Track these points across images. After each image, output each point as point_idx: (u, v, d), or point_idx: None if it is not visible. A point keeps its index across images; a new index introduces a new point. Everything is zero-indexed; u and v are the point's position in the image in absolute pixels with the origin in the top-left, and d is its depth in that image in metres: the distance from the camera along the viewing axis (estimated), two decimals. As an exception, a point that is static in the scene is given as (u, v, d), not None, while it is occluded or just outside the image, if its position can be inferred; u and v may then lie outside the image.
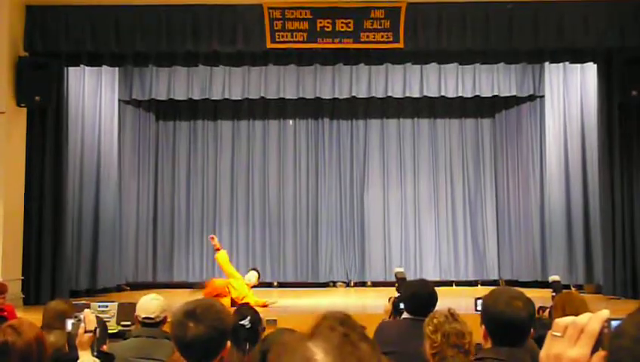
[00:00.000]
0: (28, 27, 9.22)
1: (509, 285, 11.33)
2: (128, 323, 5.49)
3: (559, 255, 10.91)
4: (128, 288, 11.52)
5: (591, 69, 10.02)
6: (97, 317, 3.37)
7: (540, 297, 8.93)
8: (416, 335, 3.91)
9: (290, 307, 9.11)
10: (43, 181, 9.23)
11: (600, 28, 9.14)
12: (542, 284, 10.98)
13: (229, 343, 2.56)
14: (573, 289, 10.20)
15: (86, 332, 3.10)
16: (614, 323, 1.00)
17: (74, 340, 3.13)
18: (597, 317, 1.01)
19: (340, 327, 1.02)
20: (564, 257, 10.82)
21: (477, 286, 12.01)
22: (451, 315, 3.29)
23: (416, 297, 4.30)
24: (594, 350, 0.99)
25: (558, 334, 1.03)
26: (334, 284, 12.31)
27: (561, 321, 1.04)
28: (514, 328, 2.72)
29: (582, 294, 8.94)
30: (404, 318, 4.31)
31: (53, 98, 9.14)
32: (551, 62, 10.48)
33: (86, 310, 3.22)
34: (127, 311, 5.72)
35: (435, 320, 3.25)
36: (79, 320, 3.12)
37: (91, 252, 10.62)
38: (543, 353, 1.04)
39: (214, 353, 2.52)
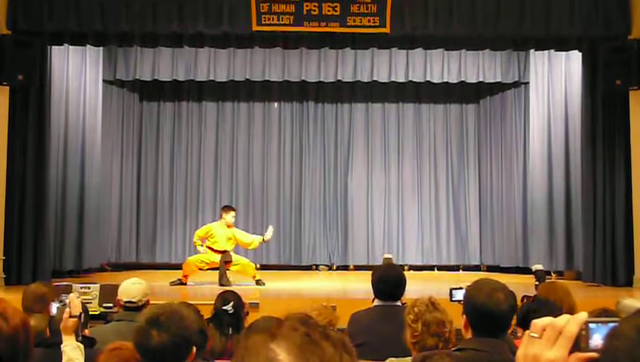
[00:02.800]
0: (11, 5, 9.09)
1: (491, 271, 11.44)
2: (110, 304, 5.49)
3: (540, 241, 11.00)
4: (110, 268, 11.49)
5: (576, 57, 10.07)
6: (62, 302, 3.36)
7: (521, 283, 9.04)
8: (388, 321, 3.95)
9: (273, 290, 9.13)
10: (25, 160, 9.15)
11: (586, 16, 9.16)
12: (523, 270, 11.10)
13: (194, 349, 2.51)
14: (553, 275, 10.32)
15: (71, 317, 3.09)
16: (592, 326, 1.01)
17: (57, 324, 3.12)
18: (575, 319, 1.02)
19: (301, 327, 1.03)
20: (545, 243, 10.92)
21: (459, 271, 12.11)
22: (432, 304, 3.31)
23: (383, 281, 4.27)
24: (571, 352, 1.00)
25: (536, 335, 1.04)
26: (317, 268, 12.36)
27: (538, 322, 1.05)
28: (494, 320, 2.74)
29: (561, 280, 9.07)
30: (375, 306, 4.30)
31: (36, 77, 9.04)
32: (536, 50, 10.51)
33: (71, 294, 3.21)
34: (109, 292, 5.72)
35: (415, 309, 3.28)
36: (64, 304, 3.11)
37: (75, 232, 10.58)
38: (520, 353, 1.06)
39: (178, 361, 2.49)
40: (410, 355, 3.30)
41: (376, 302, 4.30)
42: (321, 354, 1.00)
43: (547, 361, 1.01)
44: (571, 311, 3.97)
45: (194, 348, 2.51)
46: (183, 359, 2.50)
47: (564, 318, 1.03)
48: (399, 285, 4.26)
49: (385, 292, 4.24)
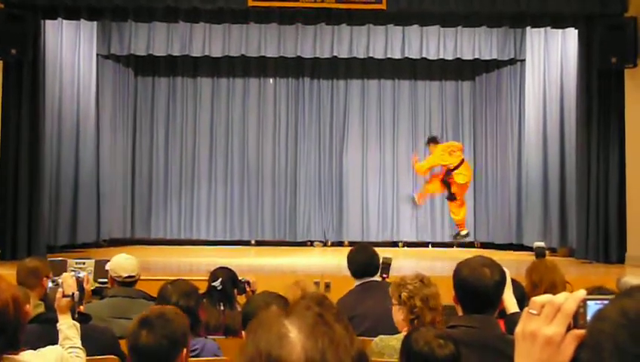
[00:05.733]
0: (4, -22, 9.01)
1: (485, 248, 11.50)
2: (105, 280, 5.50)
3: (534, 218, 11.05)
4: (105, 244, 11.51)
5: (572, 34, 10.03)
6: (75, 277, 3.39)
7: (514, 260, 9.10)
8: (366, 296, 4.23)
9: (267, 266, 9.17)
10: (19, 135, 9.12)
11: (582, -7, 9.14)
12: (517, 247, 11.17)
13: (184, 350, 2.57)
14: (547, 252, 10.38)
15: (64, 296, 3.11)
16: (590, 303, 1.02)
17: (52, 302, 3.14)
18: (573, 296, 1.04)
19: (315, 307, 1.06)
20: (540, 221, 10.96)
21: (452, 247, 12.15)
22: (424, 280, 3.34)
23: (354, 262, 4.59)
24: (569, 329, 1.02)
25: (535, 312, 1.05)
26: (311, 244, 12.39)
27: (537, 300, 1.06)
28: (478, 295, 2.75)
29: (555, 257, 9.12)
30: (355, 286, 4.51)
31: (30, 51, 8.97)
32: (532, 27, 10.47)
33: (64, 274, 3.23)
34: (103, 268, 5.73)
35: (409, 286, 3.30)
36: (57, 284, 3.13)
37: (70, 207, 10.57)
38: (518, 329, 1.07)
39: (166, 361, 2.54)
40: (397, 333, 3.34)
41: (356, 283, 4.53)
42: (331, 335, 1.03)
43: (545, 337, 1.03)
44: (553, 288, 4.02)
45: (184, 350, 2.57)
46: (170, 360, 2.55)
47: (562, 295, 1.05)
48: (369, 264, 4.58)
49: (358, 271, 4.55)
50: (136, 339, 2.52)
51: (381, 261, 4.71)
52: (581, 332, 1.01)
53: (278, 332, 1.02)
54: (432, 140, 11.66)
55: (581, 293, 1.04)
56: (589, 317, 1.01)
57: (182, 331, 2.58)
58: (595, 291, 3.16)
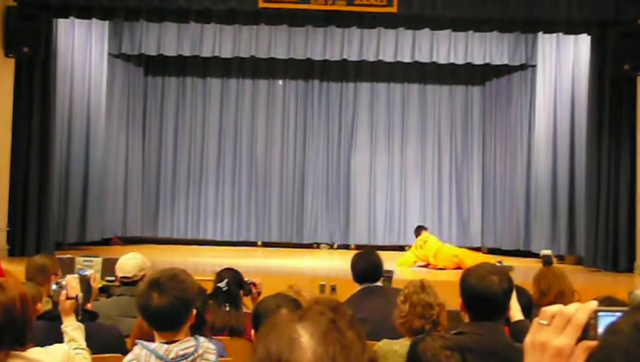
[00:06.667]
0: (17, -24, 9.05)
1: (492, 253, 11.46)
2: (112, 278, 5.51)
3: (543, 225, 11.00)
4: (122, 242, 11.54)
5: (584, 40, 9.98)
6: (82, 275, 3.39)
7: (521, 267, 9.07)
8: (367, 300, 4.23)
9: (274, 267, 9.17)
10: (30, 133, 9.15)
11: (595, 0, 9.10)
12: (524, 253, 11.12)
13: (194, 311, 2.62)
14: (554, 259, 10.33)
15: (68, 298, 3.11)
16: (601, 315, 1.01)
17: (57, 301, 3.15)
18: (584, 307, 1.02)
19: (329, 313, 1.06)
20: (548, 228, 10.91)
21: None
22: (422, 286, 3.34)
23: (355, 268, 4.56)
24: (579, 340, 1.00)
25: (545, 322, 1.04)
26: (318, 246, 12.39)
27: (548, 310, 1.05)
28: (486, 302, 2.73)
29: (562, 265, 9.08)
30: (357, 290, 4.50)
31: (42, 50, 9.01)
32: (545, 33, 10.44)
33: (68, 276, 3.22)
34: (111, 266, 5.73)
35: (405, 290, 3.32)
36: (60, 287, 3.13)
37: (79, 205, 10.61)
38: (528, 339, 1.06)
39: (179, 322, 2.59)
40: (400, 337, 3.34)
41: (359, 287, 4.51)
42: (343, 342, 1.02)
43: (555, 349, 1.01)
44: (561, 296, 4.00)
45: (193, 311, 2.63)
46: (183, 320, 2.60)
47: (573, 306, 1.03)
48: (371, 270, 4.53)
49: (359, 277, 4.52)
50: (148, 301, 2.55)
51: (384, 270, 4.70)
52: (592, 343, 0.99)
53: (290, 336, 1.02)
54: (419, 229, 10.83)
55: (592, 304, 1.03)
56: (599, 329, 1.00)
57: (193, 292, 2.64)
58: (605, 301, 3.13)
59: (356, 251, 4.97)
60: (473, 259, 9.10)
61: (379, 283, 4.53)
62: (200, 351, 2.56)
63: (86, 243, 10.58)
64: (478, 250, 12.05)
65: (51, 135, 9.36)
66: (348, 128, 12.70)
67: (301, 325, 1.03)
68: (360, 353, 1.03)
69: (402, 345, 3.17)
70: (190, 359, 2.53)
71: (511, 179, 12.00)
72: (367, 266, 4.53)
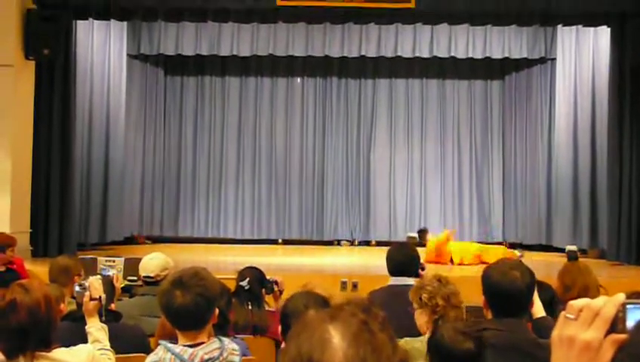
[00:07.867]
0: (36, -21, 9.12)
1: (513, 248, 11.38)
2: (135, 278, 5.55)
3: (564, 219, 10.91)
4: (149, 241, 11.62)
5: (604, 32, 9.89)
6: (105, 276, 3.42)
7: (543, 261, 9.02)
8: (396, 302, 4.00)
9: (295, 265, 9.18)
10: (51, 134, 9.23)
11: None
12: (546, 248, 11.05)
13: (216, 310, 2.61)
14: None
15: (91, 300, 3.13)
16: (630, 308, 0.99)
17: (81, 302, 3.17)
18: (612, 301, 1.01)
19: (361, 314, 1.05)
20: (570, 221, 10.82)
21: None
22: (440, 280, 3.32)
23: (391, 259, 4.43)
24: (607, 333, 0.99)
25: (572, 316, 1.03)
26: (339, 243, 12.38)
27: (575, 303, 1.03)
28: (509, 298, 2.72)
29: (585, 259, 9.01)
30: (388, 285, 4.39)
31: (62, 51, 9.07)
32: (564, 25, 10.35)
33: (91, 278, 3.25)
34: (133, 266, 5.78)
35: (429, 287, 3.28)
36: (84, 288, 3.15)
37: (100, 206, 10.69)
38: (555, 334, 1.04)
39: (202, 321, 2.57)
40: (419, 335, 3.31)
41: (391, 281, 4.39)
42: (374, 344, 1.02)
43: (583, 343, 1.00)
44: (585, 291, 3.96)
45: (216, 310, 2.62)
46: (206, 319, 2.59)
47: (601, 299, 1.02)
48: (408, 263, 4.40)
49: (395, 270, 4.39)
50: (170, 299, 2.53)
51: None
52: (620, 337, 0.98)
53: (321, 337, 1.02)
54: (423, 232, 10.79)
55: (620, 297, 1.01)
56: (628, 322, 0.98)
57: (215, 289, 2.63)
58: (634, 295, 3.10)
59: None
60: (494, 253, 9.05)
61: (410, 281, 4.20)
62: (225, 354, 2.55)
63: (107, 243, 10.66)
64: (499, 244, 11.99)
65: (72, 136, 9.43)
66: (367, 124, 12.68)
67: (333, 326, 1.03)
68: (391, 355, 1.02)
69: (424, 342, 3.16)
70: None
71: (532, 172, 11.91)
72: (405, 259, 4.43)
